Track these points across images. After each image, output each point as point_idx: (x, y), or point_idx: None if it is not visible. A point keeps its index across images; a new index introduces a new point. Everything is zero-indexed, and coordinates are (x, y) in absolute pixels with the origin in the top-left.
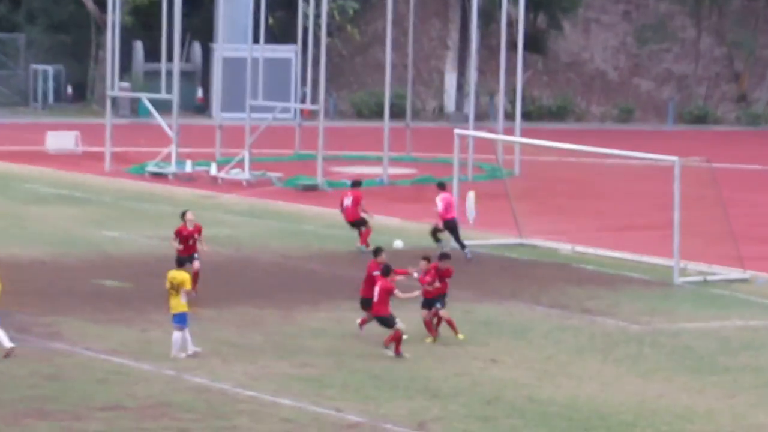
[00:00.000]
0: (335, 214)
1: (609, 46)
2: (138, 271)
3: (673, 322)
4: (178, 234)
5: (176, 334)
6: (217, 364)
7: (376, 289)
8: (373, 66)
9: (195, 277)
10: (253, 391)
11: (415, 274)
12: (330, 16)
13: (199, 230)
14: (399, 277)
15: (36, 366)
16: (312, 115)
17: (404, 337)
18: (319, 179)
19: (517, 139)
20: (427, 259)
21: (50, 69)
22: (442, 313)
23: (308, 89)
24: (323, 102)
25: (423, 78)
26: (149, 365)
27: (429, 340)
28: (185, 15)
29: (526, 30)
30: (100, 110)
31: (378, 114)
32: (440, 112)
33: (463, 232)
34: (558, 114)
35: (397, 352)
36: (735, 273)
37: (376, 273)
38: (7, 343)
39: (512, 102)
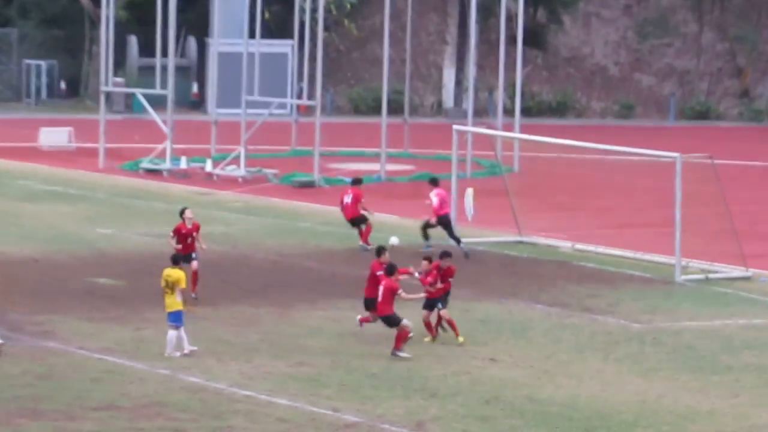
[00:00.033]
0: (332, 211)
1: (610, 40)
2: (132, 269)
3: (675, 320)
4: (177, 232)
5: (171, 333)
6: (213, 364)
7: (380, 289)
8: (370, 61)
9: (194, 277)
10: (248, 390)
11: (417, 275)
12: (327, 10)
13: (197, 228)
14: (402, 277)
15: (29, 365)
16: (309, 110)
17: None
18: (316, 176)
19: (516, 135)
20: (428, 259)
21: (43, 64)
22: (443, 313)
23: (305, 85)
24: (320, 97)
25: (421, 73)
26: (144, 364)
27: (427, 339)
28: (180, 9)
29: (525, 24)
30: (93, 106)
31: (375, 110)
32: (438, 108)
33: (462, 230)
34: (558, 110)
35: (396, 351)
36: (737, 271)
37: (380, 273)
38: None
39: (511, 97)
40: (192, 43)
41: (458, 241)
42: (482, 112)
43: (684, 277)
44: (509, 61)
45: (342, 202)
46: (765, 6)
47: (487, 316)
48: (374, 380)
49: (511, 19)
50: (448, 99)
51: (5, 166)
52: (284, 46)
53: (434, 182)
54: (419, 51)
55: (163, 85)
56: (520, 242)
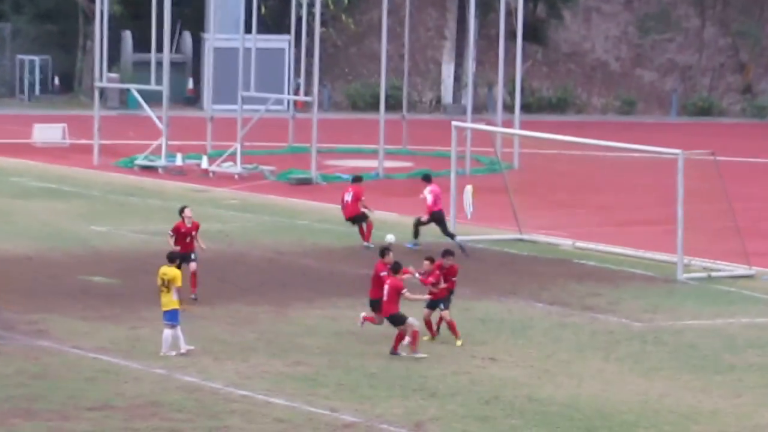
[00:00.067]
0: (329, 209)
1: (610, 35)
2: (127, 267)
3: (677, 319)
4: (176, 231)
5: (167, 332)
6: (209, 363)
7: (386, 288)
8: (368, 56)
9: (192, 279)
10: (245, 390)
11: (417, 275)
12: (324, 5)
13: (197, 228)
14: (406, 276)
15: (22, 364)
16: (305, 106)
17: (406, 338)
18: (313, 173)
19: (516, 131)
20: (430, 259)
21: (37, 59)
22: (444, 314)
23: (302, 80)
24: (317, 93)
25: (419, 69)
26: (139, 364)
27: (426, 338)
28: (175, 4)
29: (525, 19)
30: (88, 102)
31: (373, 106)
32: (437, 104)
33: (461, 228)
34: (558, 106)
35: (395, 351)
36: (740, 269)
37: (384, 273)
38: None
39: (511, 93)
40: (187, 38)
41: (452, 236)
42: (481, 108)
43: (686, 275)
44: (509, 57)
45: (342, 200)
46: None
47: (486, 315)
48: (372, 380)
49: (510, 13)
50: (447, 95)
51: None
52: (281, 42)
53: (427, 179)
54: (417, 46)
55: (158, 81)
56: (520, 240)
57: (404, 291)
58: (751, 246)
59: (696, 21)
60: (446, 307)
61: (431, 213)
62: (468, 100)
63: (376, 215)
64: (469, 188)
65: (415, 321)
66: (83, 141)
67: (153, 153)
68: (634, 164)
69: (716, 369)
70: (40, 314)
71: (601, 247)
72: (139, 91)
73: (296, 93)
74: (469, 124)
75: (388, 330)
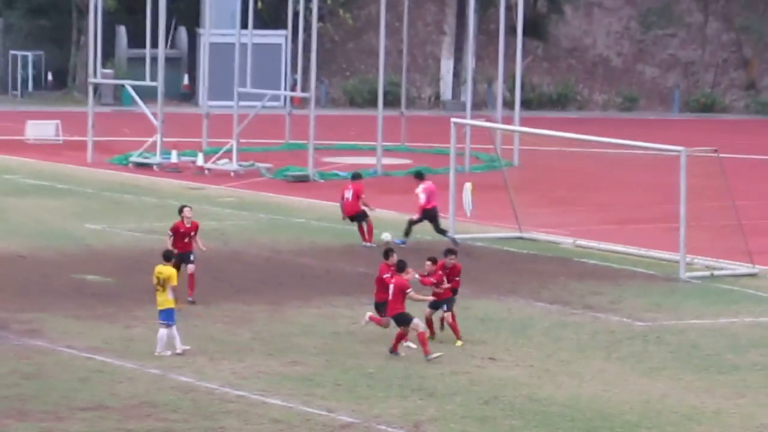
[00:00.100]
0: (327, 207)
1: (612, 31)
2: (121, 266)
3: (679, 318)
4: (174, 231)
5: (162, 331)
6: (204, 363)
7: (391, 287)
8: (366, 52)
9: (190, 281)
10: (241, 390)
11: (417, 276)
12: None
13: (196, 228)
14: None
15: (15, 364)
16: (303, 103)
17: (409, 342)
18: (310, 170)
19: (516, 128)
20: (432, 260)
21: (30, 55)
22: (447, 316)
23: (299, 76)
24: (314, 89)
25: (418, 64)
26: (133, 363)
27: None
28: None
29: (525, 14)
30: (81, 98)
31: (371, 102)
32: (436, 100)
33: (460, 226)
34: (559, 102)
35: (395, 350)
36: (743, 267)
37: (387, 276)
38: None
39: (511, 89)
40: (183, 33)
41: (444, 233)
42: (481, 105)
43: (689, 273)
44: (509, 52)
45: (342, 197)
46: None
47: (486, 314)
48: (370, 380)
49: (510, 8)
50: (446, 91)
51: None
52: (277, 37)
53: (420, 176)
54: (416, 41)
55: (153, 77)
56: (520, 238)
57: (409, 290)
58: (755, 244)
59: (699, 16)
60: (449, 309)
61: (423, 211)
62: (467, 97)
63: (374, 213)
64: (468, 186)
65: (420, 323)
66: (77, 138)
67: (148, 150)
68: (636, 161)
69: (719, 369)
70: (33, 313)
71: (603, 245)
72: (134, 87)
73: (293, 89)
74: (468, 121)
75: (388, 330)
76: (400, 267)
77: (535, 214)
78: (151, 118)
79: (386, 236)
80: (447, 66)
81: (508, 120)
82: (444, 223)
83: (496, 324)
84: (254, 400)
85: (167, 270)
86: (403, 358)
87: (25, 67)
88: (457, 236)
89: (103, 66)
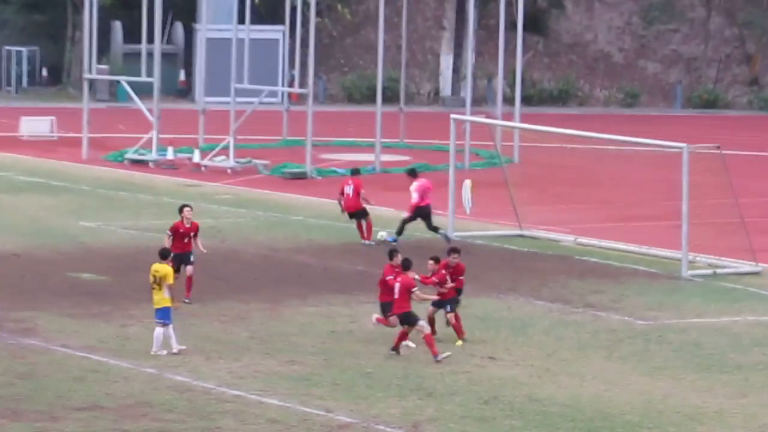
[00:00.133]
0: (325, 204)
1: (613, 26)
2: (117, 264)
3: (681, 317)
4: (174, 231)
5: (158, 330)
6: (200, 362)
7: (397, 286)
8: (364, 47)
9: (188, 282)
10: (238, 390)
11: (416, 276)
12: None
13: (196, 228)
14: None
15: (9, 363)
16: (300, 99)
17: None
18: (308, 167)
19: (516, 124)
20: (434, 259)
21: (24, 50)
22: (450, 317)
23: (296, 72)
24: (312, 85)
25: (417, 60)
26: (128, 363)
27: None
28: None
29: (526, 9)
30: (76, 94)
31: (370, 98)
32: (435, 96)
33: (460, 223)
34: (560, 98)
35: (396, 347)
36: (746, 265)
37: (390, 277)
38: None
39: (511, 85)
40: (179, 28)
41: (436, 229)
42: (481, 101)
43: (691, 272)
44: (509, 48)
45: (343, 192)
46: None
47: (485, 313)
48: (368, 379)
49: (510, 3)
50: (446, 87)
51: None
52: (275, 32)
53: (413, 173)
54: (415, 37)
55: (149, 73)
56: (521, 236)
57: (415, 289)
58: (758, 242)
59: (701, 11)
60: (452, 309)
61: (416, 209)
62: (467, 92)
63: (372, 210)
64: (468, 183)
65: (426, 325)
66: (72, 134)
67: (143, 147)
68: (637, 158)
69: (721, 368)
70: (27, 312)
71: (604, 242)
72: (130, 83)
73: (291, 85)
74: (468, 117)
75: (385, 329)
76: (406, 265)
77: (535, 212)
78: (147, 114)
79: (382, 235)
80: (446, 61)
81: (508, 116)
82: (437, 220)
83: (495, 323)
84: (251, 399)
85: (163, 268)
86: (402, 358)
87: (19, 62)
88: (453, 234)
89: (99, 62)
